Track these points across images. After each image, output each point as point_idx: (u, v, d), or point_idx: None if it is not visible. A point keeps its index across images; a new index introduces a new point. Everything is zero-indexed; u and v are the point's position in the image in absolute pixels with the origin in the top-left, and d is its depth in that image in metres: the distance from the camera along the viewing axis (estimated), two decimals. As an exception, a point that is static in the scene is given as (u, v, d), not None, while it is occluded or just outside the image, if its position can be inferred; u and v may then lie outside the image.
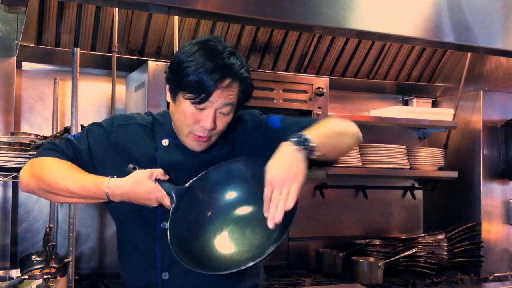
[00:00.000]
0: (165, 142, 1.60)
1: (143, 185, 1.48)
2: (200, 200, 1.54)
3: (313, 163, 1.49)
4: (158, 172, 1.50)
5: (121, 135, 1.62)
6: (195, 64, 1.46)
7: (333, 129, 1.57)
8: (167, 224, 1.52)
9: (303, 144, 1.40)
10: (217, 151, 1.60)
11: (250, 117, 1.67)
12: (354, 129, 1.64)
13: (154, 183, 1.49)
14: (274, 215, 1.32)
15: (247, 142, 1.62)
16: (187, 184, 1.53)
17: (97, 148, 1.61)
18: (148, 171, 1.50)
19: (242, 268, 1.37)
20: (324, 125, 1.56)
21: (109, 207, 1.66)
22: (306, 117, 1.69)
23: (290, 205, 1.32)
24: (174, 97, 1.55)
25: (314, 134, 1.45)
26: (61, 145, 1.61)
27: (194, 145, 1.55)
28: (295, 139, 1.41)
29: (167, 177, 1.52)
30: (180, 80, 1.49)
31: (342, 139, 1.58)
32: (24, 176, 1.60)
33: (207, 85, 1.45)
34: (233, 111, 1.56)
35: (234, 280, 1.63)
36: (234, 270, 1.37)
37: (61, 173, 1.55)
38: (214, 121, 1.50)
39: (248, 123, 1.65)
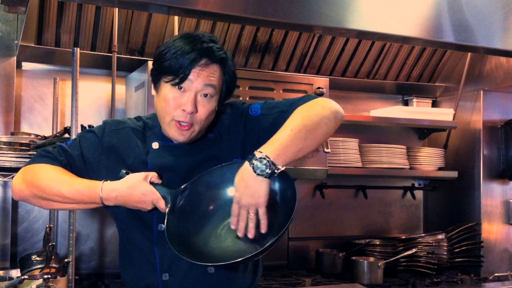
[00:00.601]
0: (155, 145, 1.61)
1: (138, 187, 1.49)
2: (194, 202, 1.55)
3: None
4: (153, 175, 1.51)
5: (114, 140, 1.62)
6: (174, 48, 1.51)
7: (304, 125, 1.50)
8: (164, 226, 1.52)
9: (262, 170, 1.41)
10: (207, 149, 1.61)
11: (231, 109, 1.67)
12: (330, 112, 1.56)
13: (149, 186, 1.50)
14: (243, 229, 1.45)
15: (231, 135, 1.63)
16: (181, 187, 1.53)
17: (89, 153, 1.62)
18: (142, 174, 1.51)
19: (243, 258, 1.40)
20: (294, 122, 1.51)
21: (107, 209, 1.66)
22: (285, 100, 1.66)
23: (265, 229, 1.44)
24: (156, 86, 1.57)
25: (278, 147, 1.44)
26: (54, 152, 1.62)
27: (177, 134, 1.55)
28: (254, 165, 1.41)
29: (161, 181, 1.53)
30: (160, 66, 1.53)
31: (315, 133, 1.51)
32: (16, 183, 1.60)
33: (184, 64, 1.49)
34: (216, 98, 1.55)
35: (234, 278, 1.63)
36: (236, 261, 1.41)
37: (54, 178, 1.55)
38: (195, 105, 1.51)
39: (229, 116, 1.66)
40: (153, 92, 1.59)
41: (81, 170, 1.60)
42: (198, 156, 1.60)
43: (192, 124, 1.53)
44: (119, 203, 1.52)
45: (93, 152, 1.62)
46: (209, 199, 1.56)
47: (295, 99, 1.63)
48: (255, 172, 1.41)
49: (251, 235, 1.44)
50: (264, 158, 1.41)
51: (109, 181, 1.52)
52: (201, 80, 1.50)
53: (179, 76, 1.49)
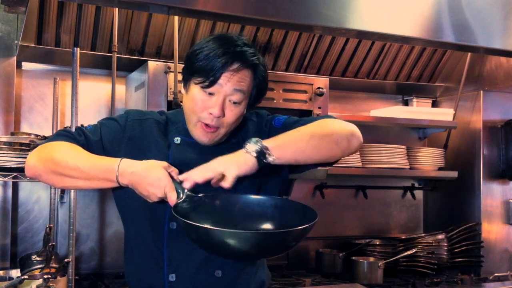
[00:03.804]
0: (177, 140, 1.60)
1: (156, 171, 1.44)
2: (203, 213, 1.48)
3: (296, 168, 1.59)
4: (174, 170, 1.47)
5: (136, 130, 1.60)
6: (207, 49, 1.50)
7: (312, 131, 1.52)
8: (176, 224, 1.50)
9: (252, 148, 1.43)
10: (227, 152, 1.57)
11: (257, 118, 1.67)
12: (344, 131, 1.56)
13: (167, 173, 1.44)
14: (192, 177, 1.42)
15: None
16: (198, 195, 1.48)
17: (109, 142, 1.59)
18: (165, 162, 1.47)
19: (266, 232, 1.38)
20: (304, 127, 1.54)
21: (118, 201, 1.64)
22: (309, 117, 1.68)
23: (226, 185, 1.40)
24: (186, 86, 1.57)
25: (273, 139, 1.48)
26: (73, 132, 1.60)
27: (202, 135, 1.54)
28: (246, 145, 1.45)
29: (179, 181, 1.48)
30: (191, 66, 1.52)
31: (316, 142, 1.51)
32: (30, 159, 1.56)
33: (215, 67, 1.48)
34: (245, 103, 1.55)
35: (241, 283, 1.61)
36: (259, 232, 1.40)
37: (71, 153, 1.51)
38: (223, 109, 1.50)
39: (255, 124, 1.66)
40: (182, 90, 1.60)
41: (98, 154, 1.56)
42: (217, 157, 1.55)
43: (218, 128, 1.53)
44: (132, 183, 1.45)
45: (113, 139, 1.59)
46: (218, 216, 1.49)
47: (315, 118, 1.64)
48: (244, 149, 1.44)
49: (190, 184, 1.41)
50: (259, 142, 1.44)
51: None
52: (231, 85, 1.50)
53: (209, 79, 1.48)
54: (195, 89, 1.52)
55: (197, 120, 1.53)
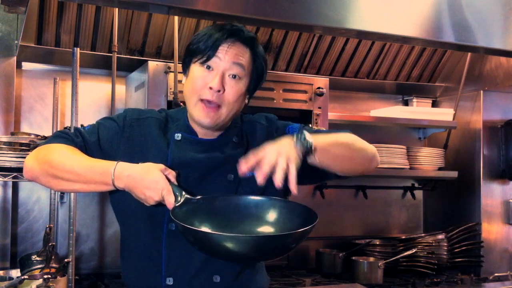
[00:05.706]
0: (178, 136, 1.58)
1: (152, 173, 1.42)
2: (205, 217, 1.48)
3: (319, 176, 1.58)
4: (171, 172, 1.46)
5: (136, 129, 1.59)
6: (205, 31, 1.54)
7: (344, 141, 1.55)
8: (175, 226, 1.48)
9: (302, 141, 1.41)
10: (230, 151, 1.58)
11: (266, 122, 1.66)
12: (370, 150, 1.61)
13: (163, 176, 1.43)
14: (266, 173, 1.34)
15: (261, 146, 1.61)
16: (195, 198, 1.46)
17: (107, 142, 1.58)
18: (162, 165, 1.46)
19: (268, 235, 1.38)
20: (336, 135, 1.56)
21: (115, 203, 1.62)
22: (326, 130, 1.68)
23: (295, 190, 1.34)
24: (185, 71, 1.59)
25: (318, 139, 1.46)
26: (71, 134, 1.59)
27: (202, 116, 1.52)
28: (295, 135, 1.42)
29: (176, 183, 1.47)
30: (190, 49, 1.55)
31: (350, 153, 1.55)
32: (28, 161, 1.55)
33: (212, 41, 1.50)
34: (245, 82, 1.55)
35: (242, 284, 1.60)
36: (259, 235, 1.39)
37: (68, 156, 1.50)
38: (222, 83, 1.51)
39: (264, 128, 1.65)
40: (183, 79, 1.60)
41: (96, 156, 1.55)
42: (219, 156, 1.56)
43: (220, 106, 1.52)
44: (129, 186, 1.44)
45: (111, 140, 1.58)
46: (217, 218, 1.48)
47: (334, 130, 1.66)
48: (294, 143, 1.41)
49: (278, 181, 1.32)
50: (309, 140, 1.42)
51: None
52: (229, 58, 1.51)
53: (207, 54, 1.50)
54: (195, 68, 1.54)
55: (198, 99, 1.52)
